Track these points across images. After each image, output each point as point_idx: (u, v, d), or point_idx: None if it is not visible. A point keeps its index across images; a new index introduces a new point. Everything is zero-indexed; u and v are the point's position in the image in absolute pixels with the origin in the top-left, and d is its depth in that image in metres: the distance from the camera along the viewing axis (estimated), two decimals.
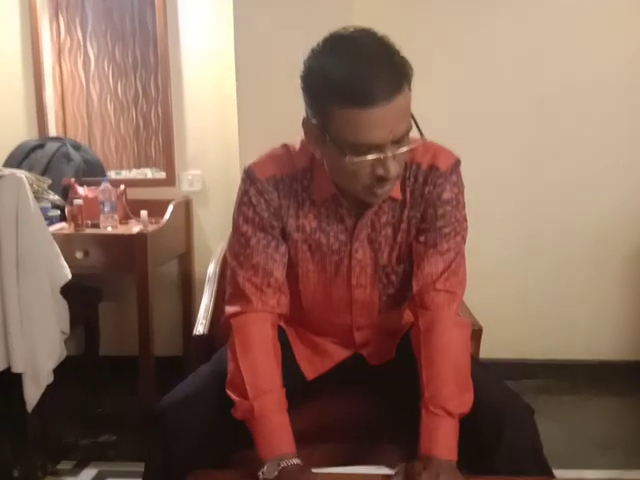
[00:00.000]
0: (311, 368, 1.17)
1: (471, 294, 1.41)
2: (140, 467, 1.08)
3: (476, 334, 1.26)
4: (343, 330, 1.17)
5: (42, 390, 1.71)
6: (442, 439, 0.95)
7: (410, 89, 0.90)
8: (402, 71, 0.88)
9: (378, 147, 0.88)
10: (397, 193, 1.03)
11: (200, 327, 1.33)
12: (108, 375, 2.29)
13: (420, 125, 0.93)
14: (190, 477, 0.97)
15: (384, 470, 1.41)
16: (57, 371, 1.74)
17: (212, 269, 1.54)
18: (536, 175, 2.33)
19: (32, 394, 1.69)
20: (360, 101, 0.84)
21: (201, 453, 1.01)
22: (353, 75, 0.85)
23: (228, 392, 1.00)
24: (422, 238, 1.05)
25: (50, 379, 1.73)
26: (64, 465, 1.87)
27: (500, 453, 0.97)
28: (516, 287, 2.36)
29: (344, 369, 1.19)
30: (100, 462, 1.88)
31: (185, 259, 2.43)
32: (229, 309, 1.06)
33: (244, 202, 1.05)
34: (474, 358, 1.19)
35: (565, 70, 2.28)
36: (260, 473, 0.92)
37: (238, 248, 1.06)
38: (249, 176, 1.05)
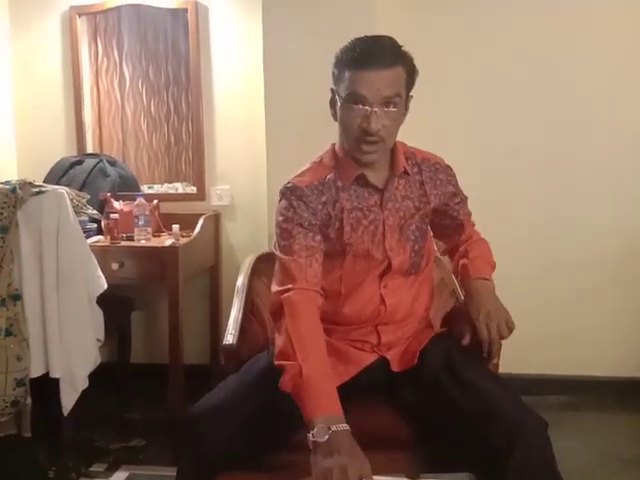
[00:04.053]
0: (336, 376, 1.21)
1: None
2: (169, 471, 1.15)
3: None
4: (370, 322, 1.24)
5: (78, 395, 1.79)
6: (476, 264, 1.27)
7: (408, 76, 1.16)
8: (397, 56, 1.15)
9: (365, 101, 1.12)
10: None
11: (229, 337, 1.38)
12: (138, 382, 2.37)
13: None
14: (219, 478, 1.02)
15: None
16: (90, 377, 1.82)
17: (241, 281, 1.59)
18: (557, 199, 2.34)
19: (68, 398, 1.77)
20: (357, 65, 1.13)
21: (229, 460, 1.06)
22: (357, 50, 1.14)
23: (277, 363, 1.06)
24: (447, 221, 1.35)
25: (85, 384, 1.80)
26: (97, 467, 1.93)
27: (512, 465, 1.00)
28: (542, 304, 2.35)
29: (367, 377, 1.24)
30: (131, 465, 1.93)
31: (214, 271, 2.51)
32: (278, 288, 1.16)
33: (285, 207, 1.21)
34: (491, 372, 1.23)
35: (585, 93, 2.29)
36: (310, 435, 0.95)
37: (283, 243, 1.19)
38: (289, 188, 1.22)
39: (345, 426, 0.96)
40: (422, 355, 1.23)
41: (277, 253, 1.20)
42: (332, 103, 1.19)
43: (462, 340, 1.20)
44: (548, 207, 2.35)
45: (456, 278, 1.40)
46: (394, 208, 1.23)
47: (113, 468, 1.93)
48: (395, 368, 1.24)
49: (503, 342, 1.27)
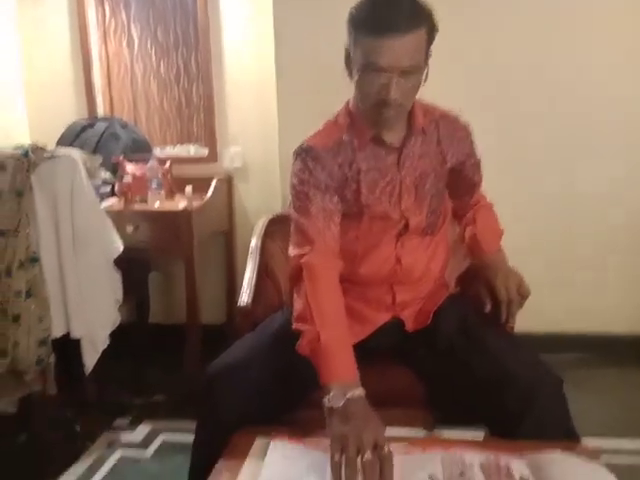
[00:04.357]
0: (351, 335, 1.22)
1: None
2: (190, 424, 1.16)
3: None
4: (386, 282, 1.24)
5: (99, 354, 1.84)
6: (487, 241, 1.30)
7: (428, 36, 1.07)
8: (418, 16, 1.05)
9: (384, 71, 1.05)
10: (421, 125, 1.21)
11: (244, 297, 1.41)
12: (158, 341, 2.43)
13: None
14: (235, 435, 1.04)
15: (421, 433, 1.48)
16: (111, 337, 1.87)
17: (254, 243, 1.61)
18: (567, 166, 2.28)
19: (90, 358, 1.82)
20: (374, 32, 1.03)
21: (246, 418, 1.08)
22: (373, 11, 1.05)
23: (295, 327, 1.06)
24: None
25: (106, 343, 1.86)
26: (120, 422, 2.01)
27: (525, 429, 1.01)
28: (557, 260, 2.34)
29: (382, 338, 1.26)
30: (153, 420, 2.01)
31: (228, 234, 2.52)
32: (296, 252, 1.15)
33: (301, 169, 1.18)
34: (507, 333, 1.24)
35: (591, 68, 2.19)
36: (326, 400, 0.95)
37: (299, 204, 1.18)
38: (304, 149, 1.19)
39: (361, 392, 0.96)
40: (436, 316, 1.24)
41: (294, 215, 1.19)
42: (347, 62, 1.14)
43: (484, 308, 1.20)
44: (563, 174, 2.29)
45: (461, 243, 1.39)
46: (411, 167, 1.21)
47: (136, 422, 2.01)
48: (409, 328, 1.25)
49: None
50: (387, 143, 1.19)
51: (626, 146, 2.26)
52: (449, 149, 1.25)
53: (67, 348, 1.80)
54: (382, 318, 1.26)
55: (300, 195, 1.17)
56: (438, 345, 1.19)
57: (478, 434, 1.32)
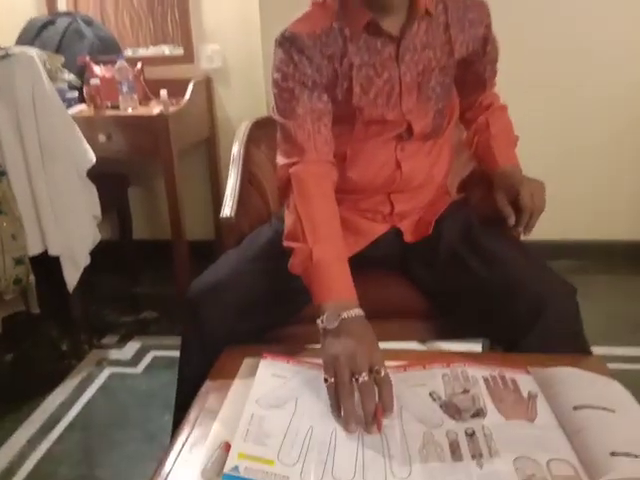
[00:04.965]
0: (346, 247, 1.12)
1: None
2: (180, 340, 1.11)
3: None
4: (383, 190, 1.14)
5: (80, 272, 1.77)
6: (502, 151, 1.16)
7: None
8: None
9: None
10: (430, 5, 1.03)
11: (227, 209, 1.30)
12: (144, 258, 2.36)
13: None
14: (222, 355, 0.98)
15: (414, 345, 1.44)
16: (94, 255, 1.79)
17: (236, 150, 1.48)
18: (585, 78, 2.12)
19: (71, 276, 1.75)
20: None
21: (233, 336, 1.01)
22: None
23: (286, 244, 0.97)
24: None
25: (87, 261, 1.78)
26: (109, 340, 1.98)
27: (534, 335, 0.95)
28: (557, 169, 2.23)
29: (379, 249, 1.17)
30: (143, 336, 1.98)
31: (210, 143, 2.37)
32: (284, 161, 1.03)
33: (284, 61, 1.03)
34: (514, 240, 1.16)
35: None
36: (319, 321, 0.87)
37: (283, 104, 1.03)
38: (287, 38, 1.03)
39: (358, 311, 0.88)
40: (438, 224, 1.14)
41: (277, 118, 1.04)
42: None
43: (506, 219, 1.08)
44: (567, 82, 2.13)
45: (468, 148, 1.25)
46: (412, 61, 1.05)
47: (125, 339, 1.98)
48: (408, 239, 1.16)
49: None
50: (385, 31, 1.02)
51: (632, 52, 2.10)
52: (459, 36, 1.06)
53: (49, 266, 1.72)
54: (379, 229, 1.16)
55: (284, 93, 1.02)
56: (440, 255, 1.10)
57: (476, 346, 1.28)
